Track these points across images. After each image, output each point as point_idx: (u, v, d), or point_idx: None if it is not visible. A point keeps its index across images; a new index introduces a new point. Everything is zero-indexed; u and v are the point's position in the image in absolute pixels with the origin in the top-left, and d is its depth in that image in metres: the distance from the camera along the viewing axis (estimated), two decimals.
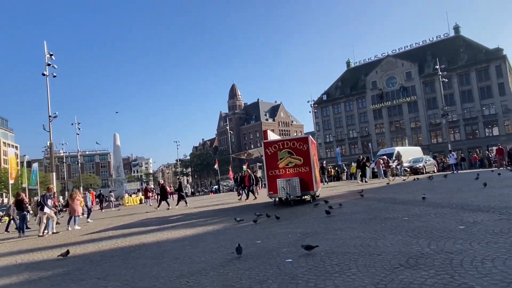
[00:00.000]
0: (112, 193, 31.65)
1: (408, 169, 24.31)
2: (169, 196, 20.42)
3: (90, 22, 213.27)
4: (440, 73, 42.56)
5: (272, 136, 14.18)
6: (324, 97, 77.65)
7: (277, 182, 11.56)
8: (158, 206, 19.36)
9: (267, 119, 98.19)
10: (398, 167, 22.32)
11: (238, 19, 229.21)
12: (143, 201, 31.72)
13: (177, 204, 18.81)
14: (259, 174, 34.00)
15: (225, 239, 6.76)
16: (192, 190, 56.34)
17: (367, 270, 3.77)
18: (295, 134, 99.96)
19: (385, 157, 24.86)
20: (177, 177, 39.89)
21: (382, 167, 24.47)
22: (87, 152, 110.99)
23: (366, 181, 22.12)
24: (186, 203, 18.50)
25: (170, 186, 19.60)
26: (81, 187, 43.36)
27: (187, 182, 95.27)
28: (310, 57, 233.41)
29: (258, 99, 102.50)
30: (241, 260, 4.91)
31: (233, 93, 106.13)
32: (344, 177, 35.43)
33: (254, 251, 5.39)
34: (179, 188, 19.07)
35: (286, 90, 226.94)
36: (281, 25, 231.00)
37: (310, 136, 12.36)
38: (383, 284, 3.29)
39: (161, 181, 23.36)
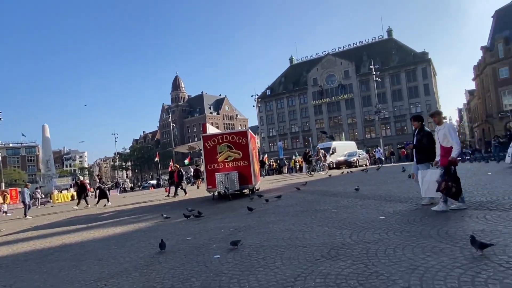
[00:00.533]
0: (38, 190, 28.94)
1: (327, 165, 24.88)
2: (89, 193, 18.64)
3: (21, 11, 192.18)
4: (374, 73, 45.46)
5: (211, 130, 13.99)
6: (268, 92, 78.83)
7: (216, 176, 11.44)
8: (97, 203, 17.76)
9: (211, 112, 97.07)
10: (318, 162, 22.16)
11: (181, 11, 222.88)
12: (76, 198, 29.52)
13: (97, 203, 17.16)
14: (202, 168, 33.51)
15: (156, 236, 6.48)
16: (132, 185, 53.88)
17: (290, 262, 3.83)
18: (240, 128, 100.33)
19: (322, 151, 25.95)
20: (97, 174, 37.25)
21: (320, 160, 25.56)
22: (10, 145, 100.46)
23: (311, 174, 23.04)
24: (108, 201, 16.80)
25: (102, 182, 17.70)
26: (2, 184, 39.05)
27: (126, 177, 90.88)
28: (255, 52, 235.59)
29: (202, 92, 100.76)
30: (168, 259, 4.73)
31: (176, 85, 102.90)
32: (285, 170, 36.37)
33: (184, 248, 5.23)
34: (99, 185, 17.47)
35: (231, 84, 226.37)
36: (227, 19, 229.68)
37: (249, 130, 12.39)
38: (303, 276, 3.35)
39: (82, 178, 21.53)
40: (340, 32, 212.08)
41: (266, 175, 33.49)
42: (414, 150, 6.58)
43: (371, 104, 63.71)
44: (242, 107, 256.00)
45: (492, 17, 62.46)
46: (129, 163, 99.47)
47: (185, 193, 16.39)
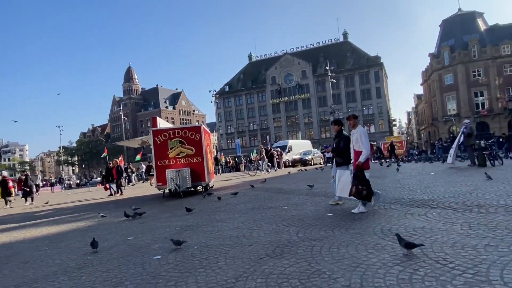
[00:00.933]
0: None
1: (270, 165, 25.16)
2: (13, 192, 16.84)
3: None
4: (330, 74, 46.82)
5: (163, 124, 13.43)
6: (226, 88, 78.29)
7: (166, 173, 10.98)
8: (31, 202, 16.41)
9: (167, 107, 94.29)
10: (260, 162, 21.93)
11: (138, 2, 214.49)
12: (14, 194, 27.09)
13: (25, 202, 15.87)
14: None
15: (95, 236, 6.00)
16: (78, 181, 50.85)
17: (234, 262, 3.66)
18: (197, 124, 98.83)
19: (278, 149, 26.22)
20: (23, 170, 34.29)
21: (276, 158, 25.78)
22: None
23: (276, 170, 23.47)
24: (32, 200, 15.52)
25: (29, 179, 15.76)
26: None
27: (73, 172, 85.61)
28: (213, 47, 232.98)
29: (157, 85, 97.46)
30: (103, 261, 4.35)
31: (129, 76, 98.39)
32: (242, 167, 36.27)
33: (123, 249, 4.87)
34: (25, 182, 15.94)
35: (188, 78, 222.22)
36: (185, 11, 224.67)
37: (204, 126, 12.05)
38: (245, 276, 3.19)
39: (4, 173, 19.28)
40: (298, 32, 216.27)
41: (223, 172, 33.21)
42: (333, 153, 6.76)
43: (326, 104, 65.62)
44: (200, 103, 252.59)
45: (439, 26, 66.95)
46: (76, 158, 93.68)
47: (121, 193, 14.97)
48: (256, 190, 11.05)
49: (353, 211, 5.68)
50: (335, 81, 50.33)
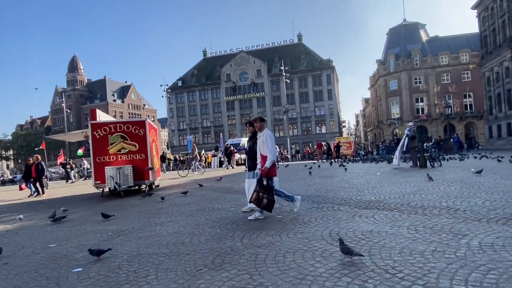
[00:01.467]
0: None
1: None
2: None
3: None
4: (284, 74, 47.34)
5: (103, 117, 12.39)
6: (179, 83, 76.21)
7: (105, 170, 10.09)
8: None
9: (115, 100, 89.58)
10: (193, 162, 21.45)
11: None
12: None
13: None
14: None
15: (10, 243, 5.17)
16: (13, 177, 46.40)
17: (166, 276, 3.19)
18: (147, 119, 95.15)
19: (230, 146, 25.80)
20: None
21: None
22: None
23: (233, 167, 23.68)
24: None
25: None
26: None
27: (7, 168, 78.25)
28: (167, 41, 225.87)
29: (105, 77, 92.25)
30: (11, 275, 3.64)
31: (73, 66, 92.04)
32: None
33: (39, 259, 4.16)
34: None
35: (139, 72, 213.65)
36: (137, 3, 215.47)
37: (149, 120, 11.25)
38: None
39: None
40: (254, 31, 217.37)
41: (172, 170, 32.13)
42: (247, 156, 6.48)
43: (280, 104, 66.46)
44: (151, 97, 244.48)
45: (386, 34, 70.79)
46: (11, 152, 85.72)
47: (41, 193, 13.21)
48: (204, 189, 10.56)
49: (249, 218, 5.36)
50: (289, 81, 51.06)
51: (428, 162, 12.20)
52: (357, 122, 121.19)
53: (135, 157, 10.44)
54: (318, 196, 7.16)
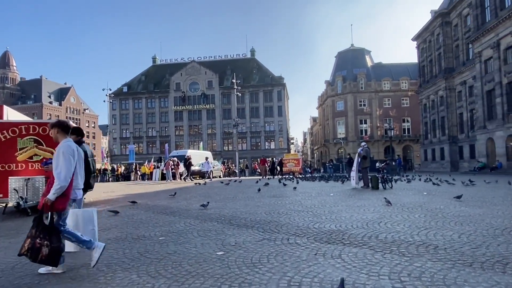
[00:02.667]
0: None
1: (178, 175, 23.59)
2: None
3: None
4: (236, 87, 46.61)
5: (14, 116, 10.25)
6: (125, 89, 72.12)
7: (9, 181, 8.08)
8: None
9: (51, 102, 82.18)
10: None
11: None
12: None
13: None
14: None
15: None
16: None
17: None
18: (87, 125, 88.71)
19: (175, 158, 24.07)
20: None
21: (172, 169, 23.56)
22: None
23: (191, 179, 22.55)
24: None
25: None
26: None
27: None
28: (114, 43, 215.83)
29: (41, 76, 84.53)
30: None
31: (5, 62, 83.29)
32: (133, 177, 32.60)
33: None
34: None
35: (82, 74, 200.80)
36: (82, 2, 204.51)
37: (70, 122, 9.40)
38: None
39: None
40: (207, 41, 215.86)
41: (107, 181, 29.51)
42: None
43: (231, 117, 65.58)
44: (93, 102, 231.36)
45: (335, 57, 73.86)
46: None
47: None
48: (136, 208, 8.95)
49: (39, 271, 3.61)
50: (240, 94, 50.39)
51: (380, 183, 11.78)
52: (305, 139, 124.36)
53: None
54: (270, 223, 6.05)
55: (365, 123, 65.43)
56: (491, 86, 32.16)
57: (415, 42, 57.17)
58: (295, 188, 13.48)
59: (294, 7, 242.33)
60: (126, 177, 32.42)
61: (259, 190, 12.91)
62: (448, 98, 46.20)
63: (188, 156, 24.44)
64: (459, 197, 8.61)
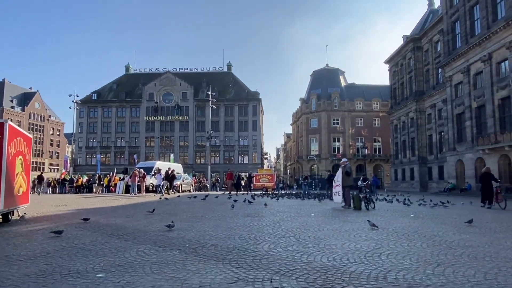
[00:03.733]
0: None
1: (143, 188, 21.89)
2: None
3: None
4: (211, 99, 45.49)
5: None
6: (94, 96, 69.12)
7: None
8: None
9: (13, 107, 77.26)
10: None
11: None
12: None
13: None
14: None
15: None
16: None
17: None
18: (51, 132, 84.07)
19: (141, 170, 22.37)
20: None
21: (138, 181, 21.83)
22: None
23: (174, 192, 21.64)
24: None
25: None
26: None
27: None
28: (85, 49, 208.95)
29: (4, 79, 79.70)
30: None
31: None
32: (95, 189, 30.22)
33: None
34: None
35: (48, 79, 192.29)
36: (52, 3, 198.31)
37: (11, 123, 7.87)
38: None
39: None
40: (183, 53, 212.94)
41: (73, 192, 27.30)
42: None
43: (204, 130, 64.14)
44: (60, 109, 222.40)
45: (310, 75, 74.69)
46: None
47: None
48: (84, 227, 7.48)
49: None
50: (215, 107, 49.31)
51: (363, 203, 10.92)
52: (278, 155, 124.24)
53: None
54: (246, 252, 4.87)
55: (338, 141, 65.94)
56: (461, 109, 32.95)
57: (387, 65, 58.75)
58: (265, 204, 12.46)
59: (272, 27, 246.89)
60: (89, 188, 30.06)
61: (233, 206, 11.74)
62: (418, 120, 47.30)
63: (172, 169, 22.91)
64: (470, 221, 7.81)
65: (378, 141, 66.09)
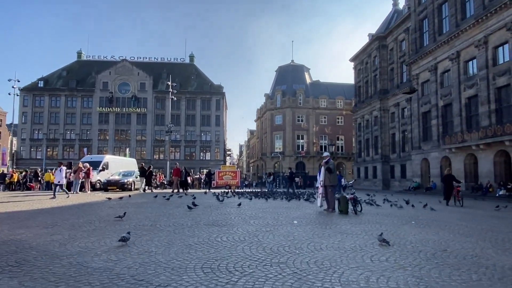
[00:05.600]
0: None
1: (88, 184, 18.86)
2: None
3: None
4: (172, 90, 42.34)
5: None
6: (40, 84, 62.77)
7: None
8: None
9: None
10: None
11: None
12: None
13: None
14: None
15: None
16: None
17: None
18: None
19: (87, 164, 19.30)
20: None
21: (82, 178, 18.76)
22: None
23: (75, 192, 17.75)
24: None
25: None
26: None
27: None
28: (32, 32, 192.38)
29: None
30: None
31: None
32: (35, 186, 26.34)
33: None
34: None
35: None
36: None
37: None
38: None
39: None
40: (142, 42, 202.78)
41: (3, 190, 23.50)
42: None
43: (164, 123, 60.50)
44: (4, 99, 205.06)
45: (275, 71, 73.31)
46: None
47: None
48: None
49: None
50: (175, 98, 45.96)
51: (350, 206, 9.17)
52: (241, 152, 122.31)
53: None
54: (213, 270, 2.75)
55: (302, 138, 65.23)
56: (427, 108, 32.86)
57: (352, 63, 58.73)
58: (239, 204, 10.34)
59: (238, 20, 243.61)
60: (24, 186, 26.12)
61: (189, 207, 9.55)
62: (382, 119, 47.40)
63: (147, 166, 20.08)
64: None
65: (341, 139, 66.22)
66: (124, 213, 7.73)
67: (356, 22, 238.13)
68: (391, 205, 12.31)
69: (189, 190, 23.32)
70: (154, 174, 27.33)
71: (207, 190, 23.25)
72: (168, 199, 13.35)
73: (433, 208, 11.74)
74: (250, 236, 5.81)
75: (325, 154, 10.42)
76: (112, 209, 10.00)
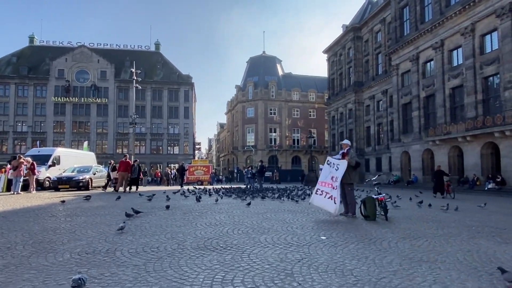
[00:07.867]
0: None
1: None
2: None
3: None
4: (135, 78, 38.66)
5: None
6: None
7: None
8: None
9: None
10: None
11: None
12: None
13: None
14: None
15: None
16: None
17: None
18: None
19: (29, 159, 15.94)
20: None
21: (24, 175, 15.42)
22: None
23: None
24: None
25: None
26: None
27: None
28: None
29: None
30: None
31: None
32: None
33: None
34: None
35: None
36: None
37: None
38: None
39: None
40: (103, 27, 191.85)
41: None
42: None
43: (127, 115, 56.25)
44: None
45: (247, 62, 70.80)
46: None
47: None
48: None
49: None
50: (140, 87, 42.11)
51: (381, 211, 7.05)
52: (210, 146, 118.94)
53: None
54: None
55: (275, 131, 63.48)
56: (408, 99, 31.89)
57: (326, 55, 57.50)
58: (215, 202, 7.92)
59: (208, 10, 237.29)
60: None
61: (167, 207, 7.04)
62: (356, 112, 46.50)
63: (136, 160, 16.84)
64: None
65: (314, 132, 65.07)
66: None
67: (327, 16, 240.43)
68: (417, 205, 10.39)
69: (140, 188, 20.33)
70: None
71: (180, 187, 20.56)
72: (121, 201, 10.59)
73: (457, 208, 9.94)
74: (280, 275, 3.41)
75: (345, 142, 8.10)
76: (55, 218, 7.20)
